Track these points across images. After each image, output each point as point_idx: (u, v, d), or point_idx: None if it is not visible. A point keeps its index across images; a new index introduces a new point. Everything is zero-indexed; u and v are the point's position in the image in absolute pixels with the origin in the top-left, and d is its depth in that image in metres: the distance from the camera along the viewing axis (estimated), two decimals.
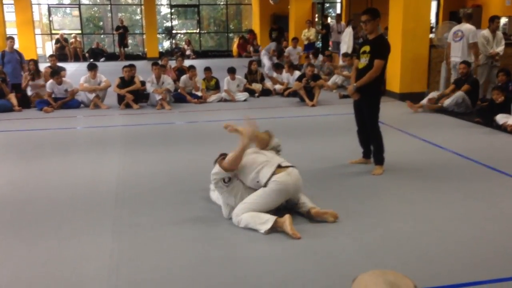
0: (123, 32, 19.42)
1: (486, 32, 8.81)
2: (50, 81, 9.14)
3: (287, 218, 3.56)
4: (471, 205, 4.16)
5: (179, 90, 9.74)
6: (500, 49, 8.68)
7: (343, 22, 15.60)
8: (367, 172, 5.01)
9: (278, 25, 19.37)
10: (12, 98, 8.98)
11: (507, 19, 14.53)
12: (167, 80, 9.26)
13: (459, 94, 7.94)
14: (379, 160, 5.03)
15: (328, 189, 4.57)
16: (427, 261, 3.17)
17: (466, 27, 8.57)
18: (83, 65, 11.11)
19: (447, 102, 8.01)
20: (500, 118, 6.86)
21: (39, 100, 9.13)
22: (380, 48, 4.84)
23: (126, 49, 20.24)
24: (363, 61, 4.92)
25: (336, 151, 5.89)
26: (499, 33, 8.87)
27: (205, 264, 3.18)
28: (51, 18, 21.83)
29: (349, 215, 3.88)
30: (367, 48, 4.90)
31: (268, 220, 3.56)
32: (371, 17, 4.80)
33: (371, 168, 5.07)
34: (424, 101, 8.36)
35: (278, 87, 10.56)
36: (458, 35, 8.60)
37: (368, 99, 4.95)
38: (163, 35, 23.27)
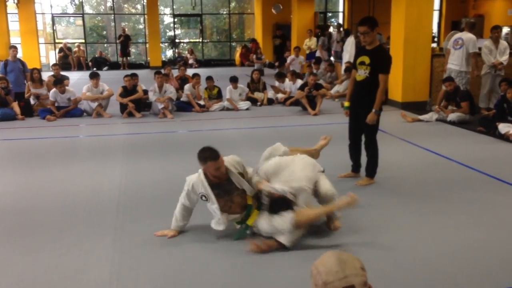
0: (125, 41, 19.50)
1: (487, 42, 8.82)
2: (53, 89, 9.18)
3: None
4: (474, 214, 4.14)
5: (181, 99, 9.76)
6: (504, 59, 8.68)
7: (342, 31, 15.65)
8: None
9: (281, 32, 19.42)
10: (15, 106, 9.01)
11: (509, 29, 14.57)
12: (170, 89, 9.28)
13: (464, 116, 7.91)
14: (372, 173, 4.95)
15: None
16: (428, 270, 3.15)
17: (467, 36, 8.57)
18: (86, 74, 11.14)
19: (451, 117, 7.96)
20: (503, 128, 6.85)
21: (42, 109, 9.16)
22: (383, 61, 4.66)
23: (129, 58, 20.31)
24: (362, 74, 4.72)
25: (339, 161, 5.88)
26: (504, 43, 8.87)
27: (207, 273, 3.17)
28: (54, 28, 21.95)
29: (353, 225, 3.87)
30: (365, 59, 4.69)
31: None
32: (370, 28, 4.59)
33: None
34: (424, 116, 8.29)
35: (280, 96, 10.58)
36: (459, 43, 8.61)
37: (370, 105, 4.74)
38: (166, 44, 23.36)
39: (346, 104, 5.16)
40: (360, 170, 5.15)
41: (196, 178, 3.61)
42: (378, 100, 4.68)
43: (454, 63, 8.63)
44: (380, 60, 4.66)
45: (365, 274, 1.52)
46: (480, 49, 8.79)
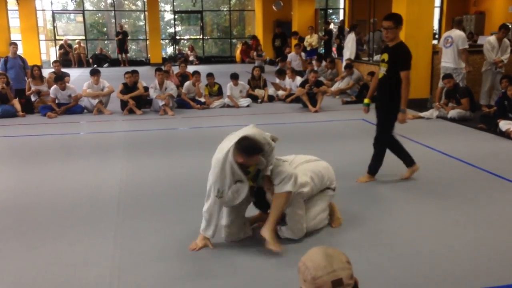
0: (122, 38, 19.47)
1: (492, 38, 8.81)
2: (54, 86, 9.18)
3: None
4: (474, 211, 4.14)
5: (181, 96, 9.76)
6: (505, 57, 8.68)
7: (346, 28, 15.63)
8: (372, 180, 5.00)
9: (281, 30, 19.37)
10: (16, 103, 9.02)
11: (510, 26, 14.56)
12: (170, 86, 9.28)
13: (465, 112, 7.92)
14: (374, 171, 4.90)
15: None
16: (428, 266, 3.15)
17: (456, 33, 8.59)
18: (87, 71, 11.15)
19: (452, 114, 7.97)
20: (504, 125, 6.85)
21: (42, 106, 9.16)
22: (401, 58, 4.57)
23: (128, 54, 20.29)
24: (382, 71, 4.69)
25: (339, 158, 5.88)
26: (506, 41, 8.86)
27: (208, 271, 3.17)
28: (55, 24, 21.94)
29: (354, 222, 3.87)
30: (385, 56, 4.66)
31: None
32: (394, 24, 4.53)
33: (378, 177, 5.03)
34: (424, 113, 8.29)
35: (280, 93, 10.57)
36: (448, 41, 8.61)
37: (387, 104, 4.70)
38: (167, 41, 23.35)
39: (366, 101, 5.14)
40: (415, 163, 4.95)
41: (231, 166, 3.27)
42: (403, 99, 4.60)
43: (447, 61, 8.66)
44: (398, 56, 4.57)
45: (351, 268, 1.57)
46: (481, 46, 8.79)
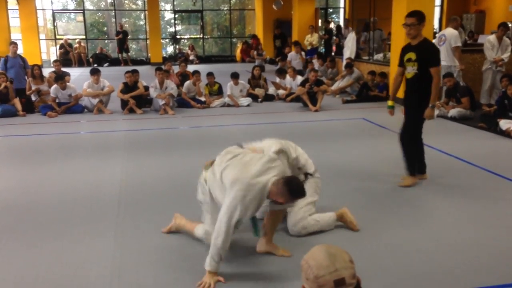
0: (123, 38, 19.46)
1: (492, 37, 8.81)
2: (54, 86, 9.18)
3: (346, 210, 3.74)
4: (474, 210, 4.14)
5: (182, 96, 9.76)
6: (505, 55, 8.68)
7: (349, 27, 15.63)
8: (368, 178, 4.99)
9: (280, 30, 19.41)
10: (17, 103, 9.02)
11: (510, 25, 14.55)
12: (171, 85, 9.28)
13: (465, 111, 7.92)
14: (423, 168, 4.82)
15: (332, 196, 4.56)
16: (429, 265, 3.15)
17: (449, 31, 8.58)
18: (87, 70, 11.14)
19: (452, 113, 7.98)
20: (504, 124, 6.85)
21: (43, 105, 9.16)
22: (431, 54, 4.54)
23: (129, 54, 20.28)
24: (411, 70, 4.61)
25: (340, 157, 5.89)
26: (506, 40, 8.85)
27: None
28: (55, 24, 21.93)
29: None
30: (412, 55, 4.58)
31: (331, 217, 3.70)
32: (418, 20, 4.48)
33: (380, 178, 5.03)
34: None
35: (281, 92, 10.57)
36: (442, 40, 8.61)
37: (422, 102, 4.61)
38: (167, 40, 23.34)
39: (390, 103, 5.08)
40: (426, 170, 4.95)
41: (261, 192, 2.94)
42: (433, 95, 4.55)
43: (442, 59, 8.64)
44: (427, 53, 4.53)
45: (353, 267, 1.56)
46: (481, 45, 8.78)
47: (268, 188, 2.90)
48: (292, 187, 2.88)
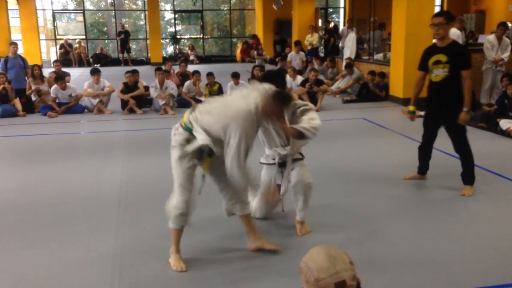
0: (124, 37, 19.46)
1: (491, 37, 8.81)
2: (54, 86, 9.18)
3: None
4: (474, 210, 4.14)
5: (182, 96, 9.76)
6: (505, 55, 8.68)
7: (349, 27, 15.63)
8: (368, 178, 4.99)
9: (279, 35, 19.56)
10: (17, 103, 9.02)
11: (510, 25, 14.55)
12: (171, 85, 9.28)
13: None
14: (472, 179, 4.60)
15: (329, 194, 4.56)
16: (429, 266, 3.15)
17: (453, 31, 8.57)
18: (87, 70, 11.15)
19: None
20: (504, 124, 6.85)
21: (43, 105, 9.17)
22: (464, 56, 4.42)
23: (130, 54, 20.28)
24: (440, 73, 4.44)
25: (340, 157, 5.89)
26: (506, 39, 8.85)
27: (208, 268, 3.17)
28: (55, 24, 21.93)
29: (354, 221, 3.87)
30: (441, 57, 4.40)
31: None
32: (446, 20, 4.32)
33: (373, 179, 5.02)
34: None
35: None
36: None
37: (457, 104, 4.45)
38: (167, 40, 23.34)
39: (411, 108, 4.96)
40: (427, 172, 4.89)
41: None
42: (468, 98, 4.44)
43: None
44: (460, 55, 4.40)
45: (353, 268, 1.55)
46: (481, 45, 8.77)
47: (258, 107, 3.00)
48: (277, 93, 3.07)
